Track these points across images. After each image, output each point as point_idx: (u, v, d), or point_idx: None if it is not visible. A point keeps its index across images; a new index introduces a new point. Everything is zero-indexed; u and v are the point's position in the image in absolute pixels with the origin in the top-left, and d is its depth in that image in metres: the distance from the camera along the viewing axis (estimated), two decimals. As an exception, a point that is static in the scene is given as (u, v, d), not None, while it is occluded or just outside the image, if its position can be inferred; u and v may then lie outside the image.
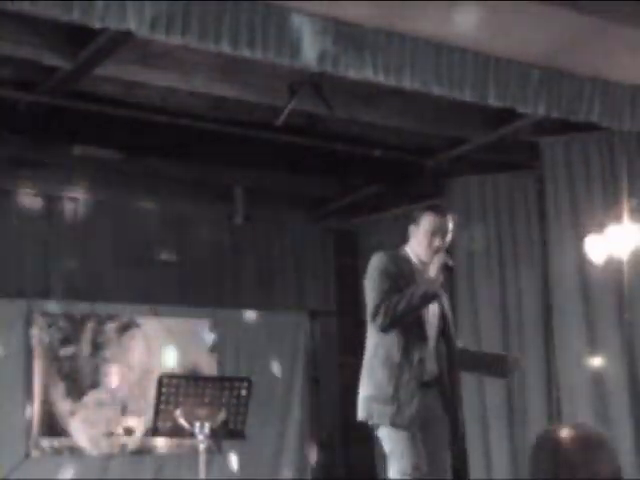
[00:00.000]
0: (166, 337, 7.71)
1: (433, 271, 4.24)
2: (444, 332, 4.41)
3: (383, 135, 7.02)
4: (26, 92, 5.95)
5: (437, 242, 4.34)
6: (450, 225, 4.41)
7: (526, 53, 5.14)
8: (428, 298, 4.22)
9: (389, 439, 4.24)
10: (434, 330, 4.38)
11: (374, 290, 4.30)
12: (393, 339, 4.29)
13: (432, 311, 4.39)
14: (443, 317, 4.44)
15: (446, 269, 4.27)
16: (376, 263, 4.37)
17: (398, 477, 4.17)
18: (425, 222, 4.38)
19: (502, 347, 7.23)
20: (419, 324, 4.30)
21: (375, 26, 4.70)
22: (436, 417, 4.31)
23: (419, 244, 4.39)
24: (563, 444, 2.05)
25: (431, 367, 4.31)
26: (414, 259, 4.41)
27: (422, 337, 4.29)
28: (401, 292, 4.23)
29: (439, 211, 4.43)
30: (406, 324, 4.25)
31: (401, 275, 4.31)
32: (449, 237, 4.42)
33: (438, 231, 4.36)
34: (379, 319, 4.21)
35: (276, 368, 8.07)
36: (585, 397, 6.58)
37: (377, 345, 4.35)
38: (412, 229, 4.43)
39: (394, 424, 4.21)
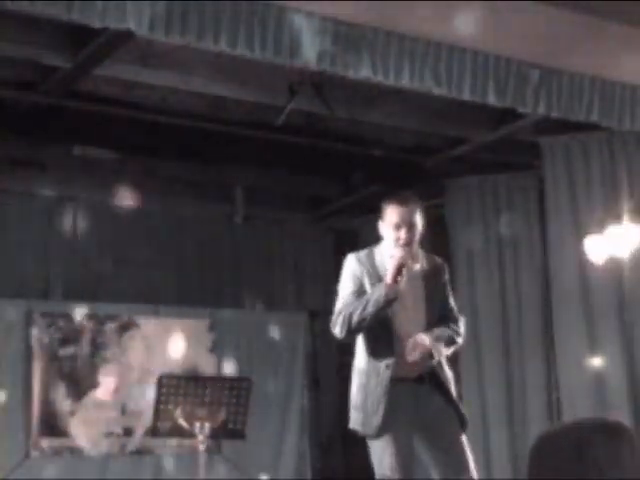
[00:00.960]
0: (166, 337, 7.70)
1: (389, 275, 3.99)
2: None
3: (383, 135, 7.03)
4: (26, 92, 5.95)
5: (402, 234, 4.04)
6: (415, 216, 4.09)
7: (526, 53, 5.14)
8: (381, 304, 3.97)
9: (370, 446, 4.16)
10: (419, 327, 4.14)
11: (338, 295, 4.20)
12: (362, 346, 4.17)
13: (412, 310, 4.17)
14: (430, 313, 4.19)
15: (400, 271, 3.96)
16: (345, 265, 4.22)
17: None
18: (387, 214, 4.11)
19: (502, 347, 7.24)
20: (386, 328, 4.10)
21: (374, 26, 4.70)
22: (436, 414, 4.16)
23: (388, 239, 4.14)
24: (587, 438, 1.86)
25: (412, 366, 4.09)
26: (383, 257, 4.16)
27: (390, 342, 4.10)
28: (363, 295, 4.08)
29: (401, 201, 4.09)
30: (372, 330, 4.10)
31: (369, 275, 4.13)
32: (417, 230, 4.10)
33: (401, 223, 4.05)
34: (337, 328, 4.10)
35: (276, 368, 8.06)
36: (585, 397, 6.57)
37: (355, 352, 4.26)
38: (381, 226, 4.17)
39: (364, 433, 4.13)
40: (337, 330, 4.11)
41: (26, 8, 4.22)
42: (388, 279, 3.99)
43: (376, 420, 4.05)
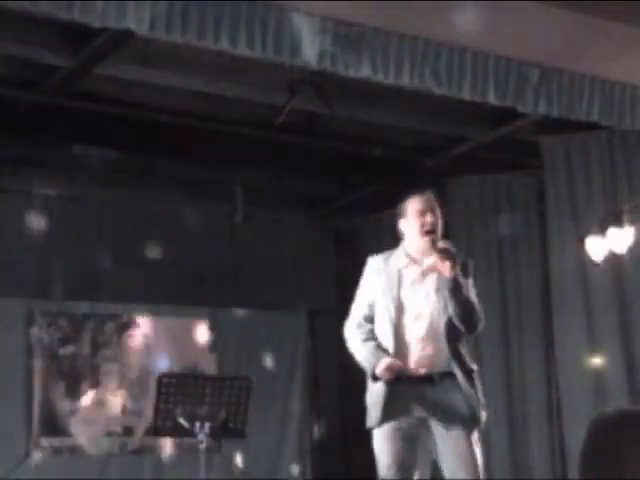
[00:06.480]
0: (166, 337, 7.71)
1: (381, 369, 4.07)
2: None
3: (383, 134, 7.03)
4: (26, 92, 5.96)
5: (427, 219, 4.16)
6: (435, 203, 4.24)
7: (526, 52, 5.14)
8: (369, 372, 4.15)
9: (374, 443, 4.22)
10: (424, 329, 4.16)
11: (356, 297, 4.38)
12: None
13: (417, 309, 4.18)
14: (440, 306, 4.17)
15: (448, 255, 4.02)
16: (365, 268, 4.37)
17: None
18: (410, 206, 4.25)
19: (502, 347, 7.25)
20: (389, 327, 4.16)
21: (374, 26, 4.70)
22: (445, 416, 4.10)
23: (412, 233, 4.22)
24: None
25: (420, 365, 4.12)
26: (405, 257, 4.24)
27: (391, 339, 4.14)
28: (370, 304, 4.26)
29: (419, 192, 4.28)
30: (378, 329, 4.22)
31: (387, 278, 4.22)
32: (439, 217, 4.22)
33: (426, 209, 4.20)
34: (346, 338, 4.29)
35: (276, 368, 8.06)
36: (585, 396, 6.58)
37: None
38: (402, 223, 4.29)
39: (368, 426, 4.16)
40: (345, 329, 4.33)
41: (26, 8, 4.22)
42: (380, 370, 4.08)
43: (375, 413, 4.09)
